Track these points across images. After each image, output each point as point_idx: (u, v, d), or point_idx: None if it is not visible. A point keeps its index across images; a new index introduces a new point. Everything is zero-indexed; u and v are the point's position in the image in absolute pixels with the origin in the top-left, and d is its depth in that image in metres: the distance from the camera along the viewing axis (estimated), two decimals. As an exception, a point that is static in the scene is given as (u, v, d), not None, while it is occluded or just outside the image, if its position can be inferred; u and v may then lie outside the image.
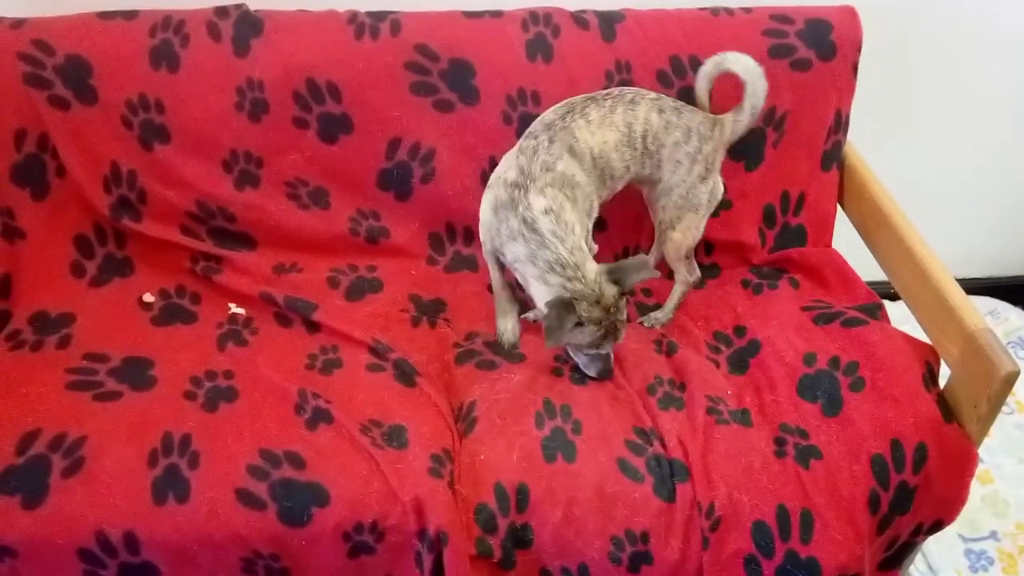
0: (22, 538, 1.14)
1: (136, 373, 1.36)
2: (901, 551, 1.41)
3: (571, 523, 1.24)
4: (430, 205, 1.65)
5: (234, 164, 1.57)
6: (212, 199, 1.57)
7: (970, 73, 1.93)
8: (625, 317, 1.39)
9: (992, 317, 2.22)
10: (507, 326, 1.52)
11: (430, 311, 1.56)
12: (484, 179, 1.63)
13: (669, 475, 1.28)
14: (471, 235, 1.69)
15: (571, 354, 1.44)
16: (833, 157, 1.69)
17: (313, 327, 1.49)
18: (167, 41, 1.51)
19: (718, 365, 1.51)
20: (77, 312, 1.47)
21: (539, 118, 1.46)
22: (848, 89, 1.66)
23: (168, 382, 1.34)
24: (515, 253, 1.36)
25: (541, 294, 1.35)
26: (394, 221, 1.66)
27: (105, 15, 1.52)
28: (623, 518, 1.25)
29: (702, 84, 1.54)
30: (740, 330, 1.56)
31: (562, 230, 1.34)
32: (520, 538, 1.25)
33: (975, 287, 2.21)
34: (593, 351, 1.39)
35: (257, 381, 1.36)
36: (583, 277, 1.32)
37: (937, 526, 1.37)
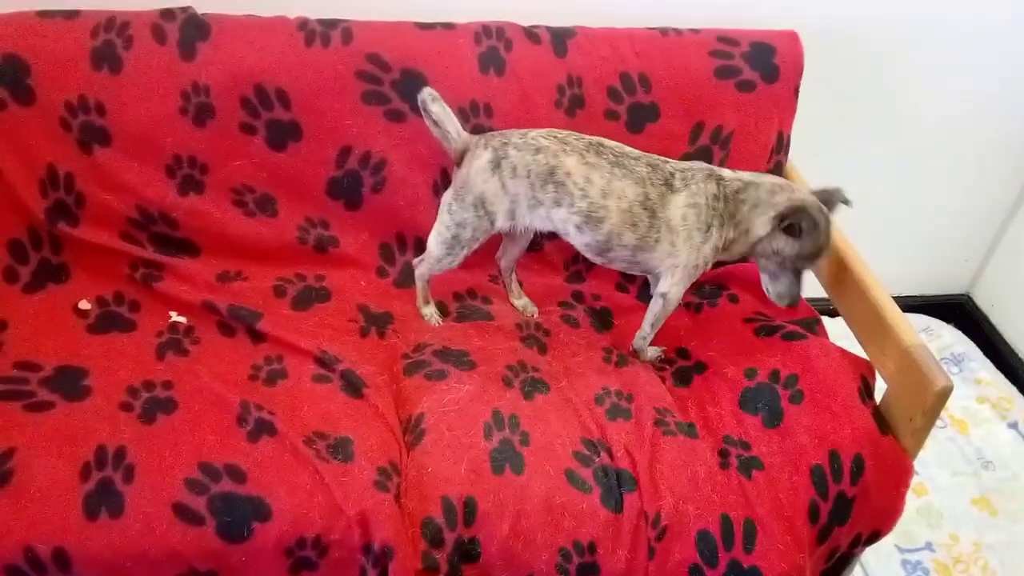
0: (-56, 557, 1.08)
1: (69, 383, 1.30)
2: (840, 563, 1.44)
3: (519, 536, 1.23)
4: (381, 215, 1.64)
5: (178, 169, 1.53)
6: (154, 205, 1.53)
7: (906, 97, 2.00)
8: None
9: (926, 334, 2.29)
10: (430, 311, 1.58)
11: (379, 322, 1.54)
12: (436, 190, 1.63)
13: (616, 486, 1.28)
14: (422, 246, 1.67)
15: (766, 280, 1.50)
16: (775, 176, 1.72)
17: (257, 337, 1.46)
18: (110, 42, 1.47)
19: (664, 380, 1.53)
20: (9, 319, 1.41)
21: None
22: (790, 111, 1.70)
23: (103, 392, 1.29)
24: (753, 225, 1.41)
25: (767, 217, 1.40)
26: (344, 230, 1.63)
27: (45, 14, 1.47)
28: (571, 529, 1.24)
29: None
30: (683, 352, 1.59)
31: (758, 174, 1.46)
32: (467, 552, 1.23)
33: (910, 305, 2.28)
34: (802, 265, 1.43)
35: (197, 392, 1.32)
36: (799, 189, 1.42)
37: (874, 537, 1.40)
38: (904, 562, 1.72)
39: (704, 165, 1.45)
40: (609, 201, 1.39)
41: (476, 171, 1.42)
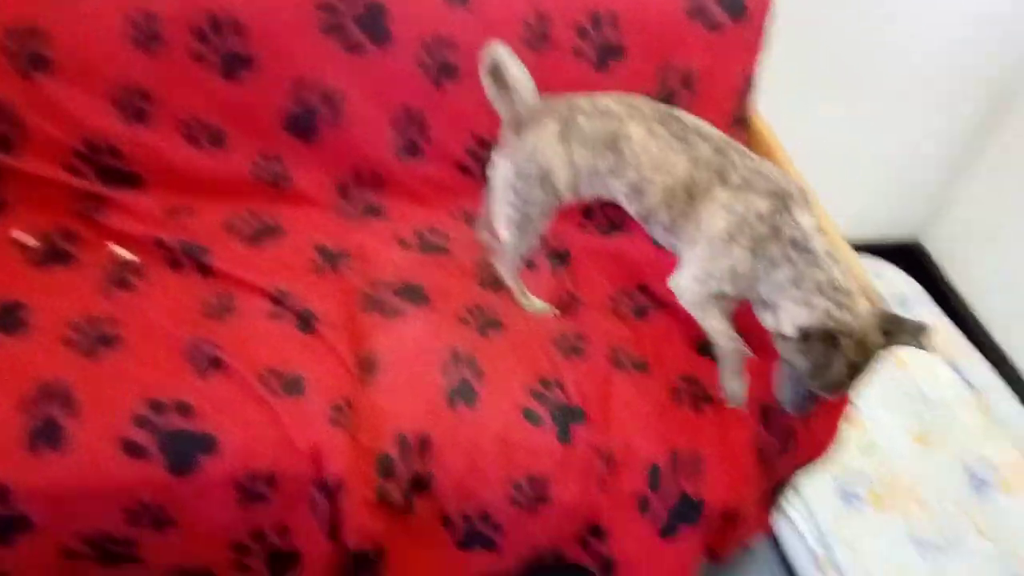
0: None
1: (8, 317, 1.23)
2: (778, 489, 1.47)
3: (473, 471, 1.22)
4: (338, 151, 1.56)
5: (124, 99, 1.43)
6: (100, 136, 1.43)
7: (867, 44, 1.96)
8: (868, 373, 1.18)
9: (876, 276, 2.30)
10: (738, 387, 1.33)
11: (335, 260, 1.48)
12: (396, 126, 1.56)
13: (569, 421, 1.28)
14: (381, 183, 1.61)
15: (780, 377, 1.24)
16: (740, 120, 1.68)
17: (207, 272, 1.39)
18: (53, -36, 1.35)
19: (621, 316, 1.51)
20: (-58, 252, 1.32)
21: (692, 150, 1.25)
22: (757, 52, 1.65)
23: (44, 327, 1.22)
24: (774, 281, 1.18)
25: (798, 316, 1.16)
26: (299, 166, 1.55)
27: (-18, -68, 1.35)
28: (525, 464, 1.24)
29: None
30: (644, 288, 1.56)
31: (835, 251, 1.18)
32: (421, 485, 1.22)
33: (862, 248, 2.27)
34: (814, 387, 1.18)
35: (144, 328, 1.26)
36: (853, 308, 1.13)
37: (811, 464, 1.44)
38: (840, 490, 1.76)
39: (784, 182, 1.22)
40: (657, 174, 1.25)
41: (545, 143, 1.30)
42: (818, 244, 1.17)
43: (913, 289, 2.29)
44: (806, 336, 1.13)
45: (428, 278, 1.47)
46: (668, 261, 1.49)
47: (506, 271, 1.46)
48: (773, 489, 1.47)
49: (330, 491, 1.16)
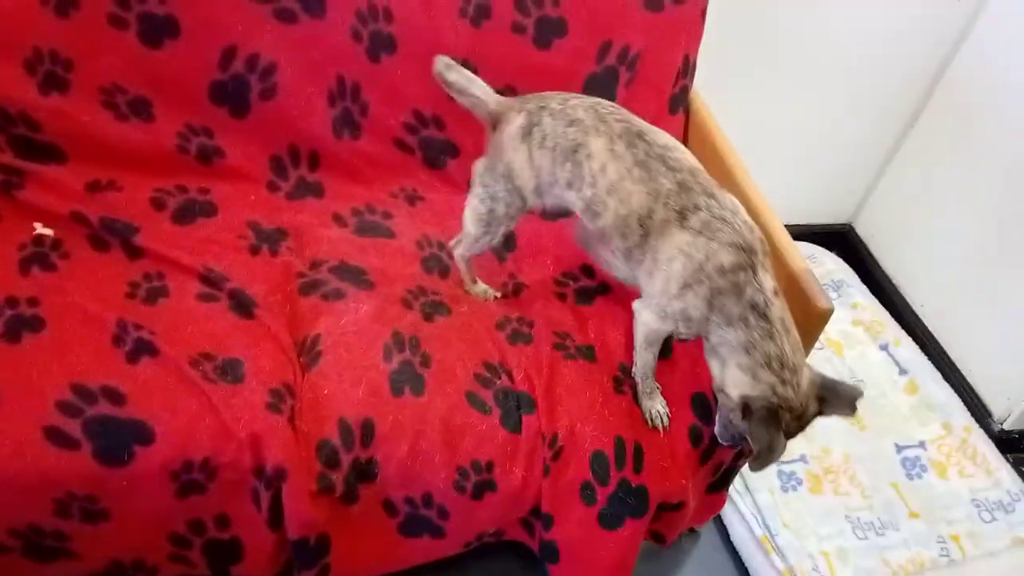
0: None
1: (-83, 299, 1.19)
2: (726, 475, 1.54)
3: (417, 456, 1.24)
4: (271, 124, 1.55)
5: (38, 65, 1.39)
6: (12, 104, 1.39)
7: (803, 33, 2.04)
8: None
9: (811, 260, 2.42)
10: (657, 407, 1.39)
11: (271, 239, 1.47)
12: (331, 99, 1.56)
13: (515, 407, 1.31)
14: (316, 159, 1.61)
15: (719, 416, 1.31)
16: (680, 101, 1.74)
17: (135, 252, 1.37)
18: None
19: (564, 298, 1.55)
20: None
21: (665, 185, 1.22)
22: (696, 34, 1.70)
23: (-41, 310, 1.19)
24: (725, 338, 1.19)
25: (740, 384, 1.19)
26: (230, 140, 1.54)
27: None
28: (469, 449, 1.27)
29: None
30: (587, 270, 1.61)
31: (789, 319, 1.19)
32: (364, 472, 1.23)
33: (797, 233, 2.39)
34: (763, 468, 1.21)
35: (68, 310, 1.24)
36: (797, 385, 1.17)
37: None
38: (780, 473, 1.85)
39: (748, 233, 1.20)
40: (611, 199, 1.24)
41: (508, 137, 1.32)
42: (775, 312, 1.17)
43: (846, 273, 2.42)
44: (746, 407, 1.17)
45: (369, 260, 1.48)
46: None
47: (460, 257, 1.48)
48: (720, 476, 1.54)
49: (270, 480, 1.16)
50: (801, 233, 2.46)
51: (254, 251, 1.44)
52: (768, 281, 1.19)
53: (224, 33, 1.46)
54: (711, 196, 1.22)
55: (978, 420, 2.07)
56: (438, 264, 1.53)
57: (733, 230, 1.19)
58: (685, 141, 1.78)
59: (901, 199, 2.40)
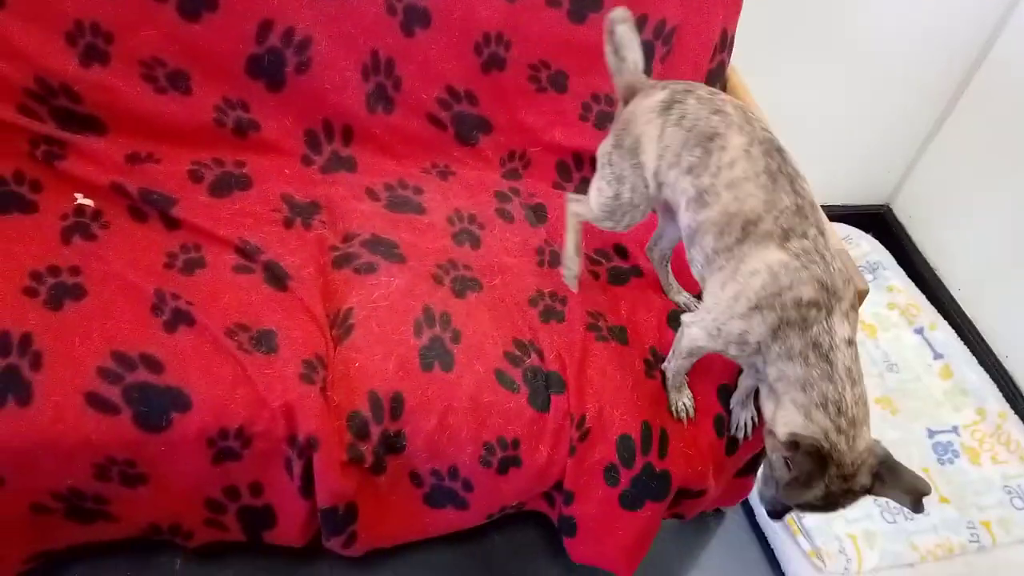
0: None
1: (-35, 265, 1.23)
2: (754, 460, 1.54)
3: (445, 430, 1.26)
4: (306, 98, 1.56)
5: (79, 37, 1.41)
6: (54, 75, 1.41)
7: (845, 11, 1.99)
8: (845, 508, 1.17)
9: (846, 242, 2.39)
10: (684, 400, 1.39)
11: (304, 212, 1.49)
12: (365, 73, 1.56)
13: (544, 387, 1.32)
14: (350, 133, 1.61)
15: (763, 479, 1.26)
16: (716, 76, 1.72)
17: (172, 223, 1.39)
18: None
19: (597, 277, 1.55)
20: None
21: (780, 202, 1.17)
22: (735, 8, 1.68)
23: (4, 277, 1.22)
24: (782, 371, 1.14)
25: (791, 422, 1.13)
26: (265, 113, 1.55)
27: None
28: (496, 426, 1.28)
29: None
30: (621, 250, 1.60)
31: (857, 371, 1.13)
32: (392, 445, 1.25)
33: (833, 214, 2.34)
34: (782, 496, 1.17)
35: (108, 278, 1.26)
36: (853, 439, 1.11)
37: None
38: (809, 457, 1.84)
39: (840, 280, 1.14)
40: (727, 193, 1.19)
41: (643, 109, 1.29)
42: (841, 358, 1.11)
43: (883, 255, 2.38)
44: (794, 445, 1.10)
45: (400, 234, 1.49)
46: (650, 226, 1.54)
47: (572, 214, 1.44)
48: (749, 461, 1.54)
49: (303, 449, 1.19)
50: (838, 214, 2.42)
51: (288, 224, 1.46)
52: (843, 329, 1.13)
53: (260, 7, 1.47)
54: (822, 232, 1.18)
55: (1013, 406, 2.04)
56: (469, 237, 1.54)
57: (826, 268, 1.14)
58: (721, 118, 1.76)
59: (940, 181, 2.35)
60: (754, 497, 1.78)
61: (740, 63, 1.76)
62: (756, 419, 1.40)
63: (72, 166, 1.41)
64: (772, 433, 1.17)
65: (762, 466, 1.26)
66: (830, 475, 1.09)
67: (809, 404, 1.11)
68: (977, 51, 2.15)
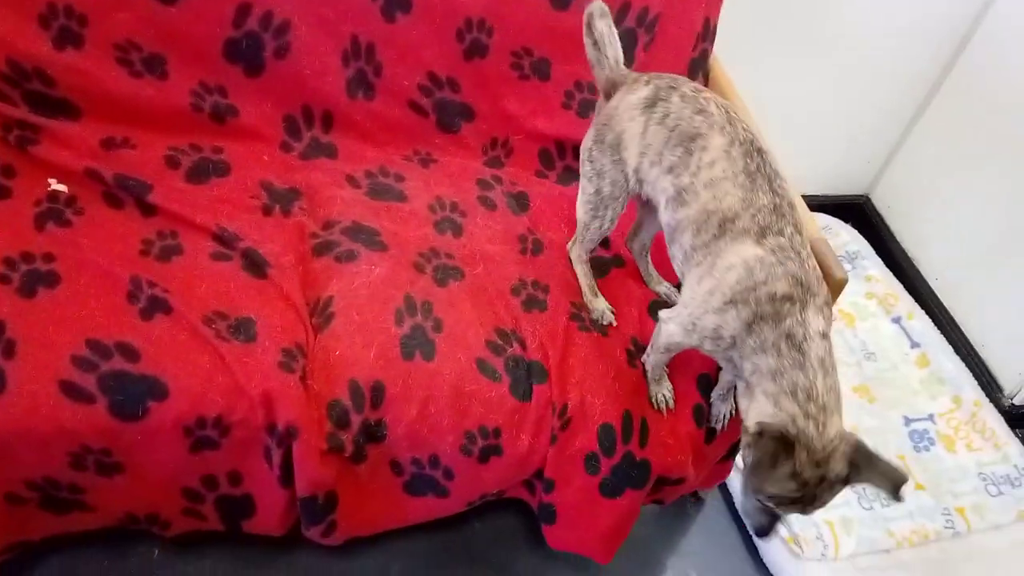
0: None
1: (-65, 253, 1.21)
2: (736, 445, 1.55)
3: (426, 420, 1.26)
4: (285, 84, 1.54)
5: (52, 19, 1.39)
6: (27, 59, 1.38)
7: (834, 2, 2.00)
8: (828, 502, 1.15)
9: (826, 232, 2.41)
10: (664, 392, 1.41)
11: (284, 200, 1.48)
12: (346, 59, 1.55)
13: (526, 376, 1.32)
14: (330, 120, 1.60)
15: (741, 490, 1.24)
16: (699, 66, 1.72)
17: (148, 210, 1.37)
18: None
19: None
20: None
21: (757, 199, 1.19)
22: (719, -2, 1.68)
23: (-25, 264, 1.21)
24: (755, 364, 1.15)
25: (761, 413, 1.14)
26: (244, 99, 1.53)
27: None
28: (478, 415, 1.28)
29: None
30: (603, 240, 1.60)
31: (831, 362, 1.14)
32: (373, 433, 1.25)
33: (814, 204, 2.36)
34: (769, 505, 1.15)
35: (82, 265, 1.25)
36: (823, 425, 1.10)
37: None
38: (787, 445, 1.86)
39: (815, 278, 1.16)
40: (705, 192, 1.21)
41: (626, 106, 1.29)
42: (815, 348, 1.12)
43: (861, 245, 2.40)
44: (760, 433, 1.10)
45: (382, 222, 1.48)
46: (628, 216, 1.54)
47: (576, 256, 1.47)
48: (729, 448, 1.55)
49: (282, 438, 1.18)
50: (818, 204, 2.45)
51: (267, 211, 1.45)
52: (817, 323, 1.14)
53: (237, -12, 1.45)
54: (798, 231, 1.20)
55: (988, 395, 2.07)
56: (451, 226, 1.53)
57: (801, 265, 1.16)
58: (703, 107, 1.76)
59: (919, 171, 2.38)
60: (732, 483, 1.80)
61: (722, 53, 1.76)
62: (734, 411, 1.42)
63: (46, 151, 1.39)
64: (746, 430, 1.17)
65: (742, 479, 1.24)
66: (800, 461, 1.09)
67: (779, 392, 1.12)
68: (955, 45, 2.17)
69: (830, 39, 2.09)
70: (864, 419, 1.95)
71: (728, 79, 1.73)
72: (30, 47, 1.38)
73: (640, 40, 1.65)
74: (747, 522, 1.25)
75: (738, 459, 1.64)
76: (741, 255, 1.16)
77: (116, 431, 1.13)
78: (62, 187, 1.36)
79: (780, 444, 1.09)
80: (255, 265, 1.34)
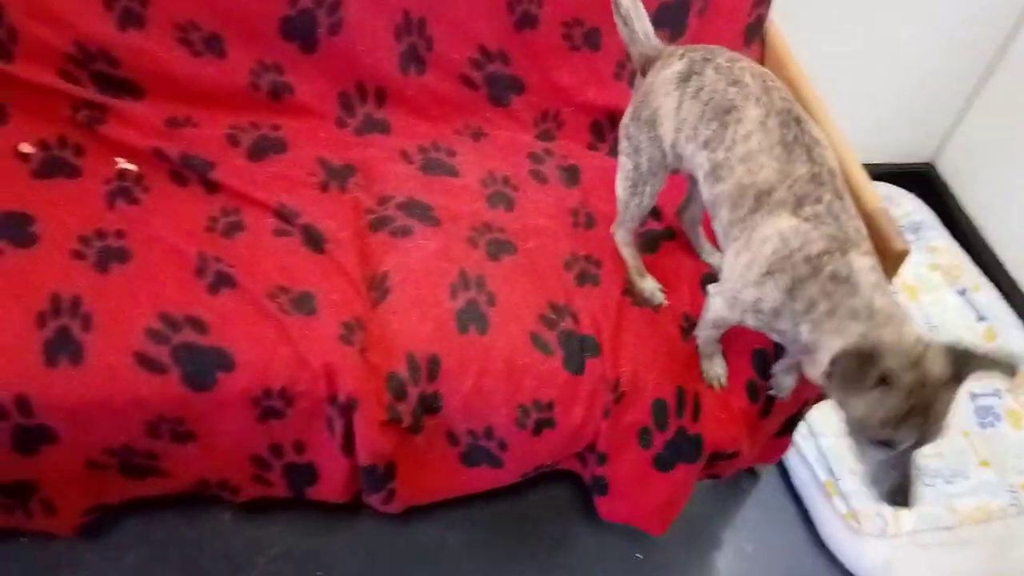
0: None
1: (16, 229, 1.28)
2: (791, 421, 1.56)
3: (480, 392, 1.29)
4: (339, 60, 1.57)
5: (115, 1, 1.44)
6: (92, 40, 1.44)
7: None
8: (947, 417, 1.04)
9: (888, 202, 2.36)
10: (717, 369, 1.41)
11: (340, 176, 1.52)
12: (398, 34, 1.57)
13: (579, 350, 1.34)
14: (383, 96, 1.63)
15: (857, 457, 1.12)
16: (755, 31, 1.69)
17: (212, 187, 1.43)
18: None
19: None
20: (-54, 162, 1.34)
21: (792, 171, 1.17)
22: (776, -39, 1.65)
23: (53, 240, 1.27)
24: (810, 322, 1.11)
25: (833, 347, 1.08)
26: (299, 76, 1.57)
27: None
28: (531, 388, 1.31)
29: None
30: (654, 211, 1.60)
31: (887, 288, 1.10)
32: (429, 405, 1.29)
33: (876, 173, 2.30)
34: (887, 438, 1.04)
35: (152, 242, 1.31)
36: (897, 332, 1.05)
37: (821, 398, 1.51)
38: (847, 418, 1.84)
39: (852, 232, 1.13)
40: (741, 167, 1.20)
41: (661, 81, 1.29)
42: (864, 277, 1.09)
43: (926, 215, 2.35)
44: (835, 362, 1.04)
45: (435, 197, 1.51)
46: (679, 187, 1.54)
47: (621, 239, 1.47)
48: (785, 422, 1.55)
49: (343, 408, 1.23)
50: (880, 173, 2.37)
51: (323, 187, 1.49)
52: (862, 261, 1.11)
53: (290, -34, 1.48)
54: (838, 197, 1.17)
55: (1058, 370, 2.02)
56: (503, 200, 1.55)
57: (839, 228, 1.13)
58: (759, 75, 1.74)
59: (986, 137, 2.30)
60: (790, 458, 1.80)
61: (779, 16, 1.73)
62: (797, 381, 1.41)
63: (113, 130, 1.45)
64: (825, 379, 1.09)
65: (848, 433, 1.12)
66: (889, 366, 1.01)
67: (839, 324, 1.08)
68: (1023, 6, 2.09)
69: (891, 1, 2.03)
70: (925, 393, 1.92)
71: (785, 45, 1.69)
72: (95, 29, 1.44)
73: (694, 6, 1.63)
74: (877, 492, 1.10)
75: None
76: (776, 227, 1.15)
77: (188, 401, 1.19)
78: (130, 166, 1.42)
79: (859, 357, 1.02)
80: (314, 240, 1.38)
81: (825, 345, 1.10)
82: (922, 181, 2.48)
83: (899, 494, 1.07)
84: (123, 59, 1.47)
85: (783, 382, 1.42)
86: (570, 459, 1.49)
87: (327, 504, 1.44)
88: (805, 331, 1.13)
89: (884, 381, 1.01)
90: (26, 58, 1.43)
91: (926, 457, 1.76)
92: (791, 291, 1.13)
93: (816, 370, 1.13)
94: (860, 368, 1.01)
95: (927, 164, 2.50)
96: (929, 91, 2.29)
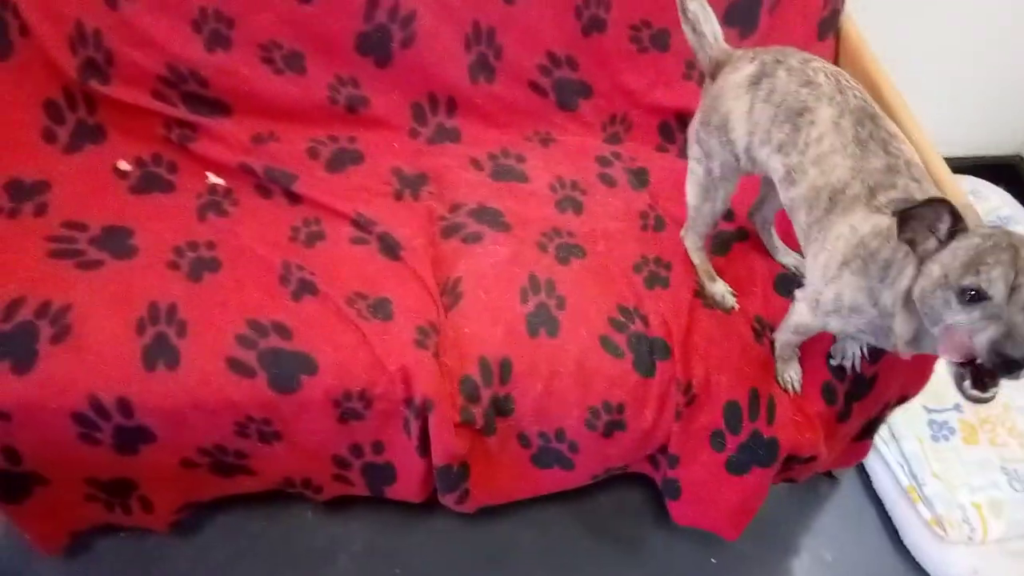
0: (14, 402, 1.19)
1: (117, 242, 1.38)
2: (871, 425, 1.54)
3: (551, 395, 1.32)
4: (411, 72, 1.64)
5: (203, 24, 1.54)
6: (182, 62, 1.55)
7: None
8: None
9: (974, 196, 2.28)
10: (791, 373, 1.42)
11: (413, 184, 1.58)
12: (468, 44, 1.63)
13: (649, 352, 1.36)
14: (454, 105, 1.69)
15: (940, 334, 1.01)
16: (830, 25, 1.68)
17: (294, 199, 1.51)
18: None
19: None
20: (52, 180, 1.45)
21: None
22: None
23: (150, 251, 1.37)
24: (890, 289, 1.09)
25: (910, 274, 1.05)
26: (374, 89, 1.64)
27: None
28: (601, 391, 1.33)
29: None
30: (727, 214, 1.61)
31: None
32: (501, 408, 1.33)
33: (960, 166, 2.25)
34: (972, 285, 0.93)
35: (240, 252, 1.39)
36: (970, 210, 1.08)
37: (903, 400, 1.49)
38: (931, 422, 1.80)
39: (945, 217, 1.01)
40: (813, 169, 1.19)
41: (731, 85, 1.28)
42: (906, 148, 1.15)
43: (1014, 208, 2.26)
44: (899, 218, 0.99)
45: (505, 203, 1.56)
46: (751, 188, 1.54)
47: (692, 244, 1.49)
48: (865, 426, 1.53)
49: (419, 410, 1.28)
50: (964, 166, 2.31)
51: (398, 196, 1.55)
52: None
53: (366, -17, 1.54)
54: (914, 180, 1.15)
55: None
56: (572, 204, 1.59)
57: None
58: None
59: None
60: (871, 463, 1.76)
61: (856, 11, 1.71)
62: (865, 352, 1.39)
63: (203, 147, 1.55)
64: (921, 284, 1.02)
65: (948, 367, 1.03)
66: (976, 227, 0.99)
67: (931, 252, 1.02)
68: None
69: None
70: (1015, 396, 1.86)
71: (862, 39, 1.68)
72: (185, 51, 1.54)
73: (766, 2, 1.63)
74: (980, 351, 0.93)
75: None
76: (849, 222, 1.15)
77: (274, 403, 1.26)
78: (220, 180, 1.52)
79: (931, 203, 0.99)
80: (389, 248, 1.44)
81: (926, 277, 1.01)
82: (1010, 174, 2.40)
83: (1005, 342, 0.89)
84: (211, 79, 1.57)
85: (847, 349, 1.39)
86: (642, 462, 1.51)
87: (404, 503, 1.49)
88: (887, 301, 1.09)
89: (957, 231, 0.99)
90: (122, 80, 1.54)
91: (1015, 462, 1.72)
92: (865, 271, 1.11)
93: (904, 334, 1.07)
94: (935, 211, 0.99)
95: (1016, 156, 2.41)
96: (1013, 79, 2.21)
